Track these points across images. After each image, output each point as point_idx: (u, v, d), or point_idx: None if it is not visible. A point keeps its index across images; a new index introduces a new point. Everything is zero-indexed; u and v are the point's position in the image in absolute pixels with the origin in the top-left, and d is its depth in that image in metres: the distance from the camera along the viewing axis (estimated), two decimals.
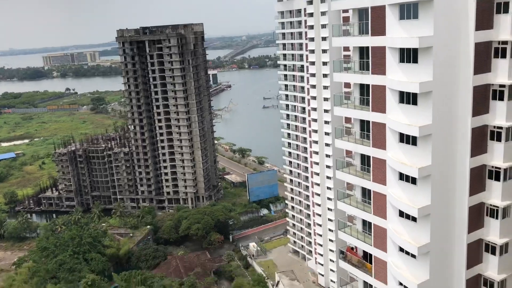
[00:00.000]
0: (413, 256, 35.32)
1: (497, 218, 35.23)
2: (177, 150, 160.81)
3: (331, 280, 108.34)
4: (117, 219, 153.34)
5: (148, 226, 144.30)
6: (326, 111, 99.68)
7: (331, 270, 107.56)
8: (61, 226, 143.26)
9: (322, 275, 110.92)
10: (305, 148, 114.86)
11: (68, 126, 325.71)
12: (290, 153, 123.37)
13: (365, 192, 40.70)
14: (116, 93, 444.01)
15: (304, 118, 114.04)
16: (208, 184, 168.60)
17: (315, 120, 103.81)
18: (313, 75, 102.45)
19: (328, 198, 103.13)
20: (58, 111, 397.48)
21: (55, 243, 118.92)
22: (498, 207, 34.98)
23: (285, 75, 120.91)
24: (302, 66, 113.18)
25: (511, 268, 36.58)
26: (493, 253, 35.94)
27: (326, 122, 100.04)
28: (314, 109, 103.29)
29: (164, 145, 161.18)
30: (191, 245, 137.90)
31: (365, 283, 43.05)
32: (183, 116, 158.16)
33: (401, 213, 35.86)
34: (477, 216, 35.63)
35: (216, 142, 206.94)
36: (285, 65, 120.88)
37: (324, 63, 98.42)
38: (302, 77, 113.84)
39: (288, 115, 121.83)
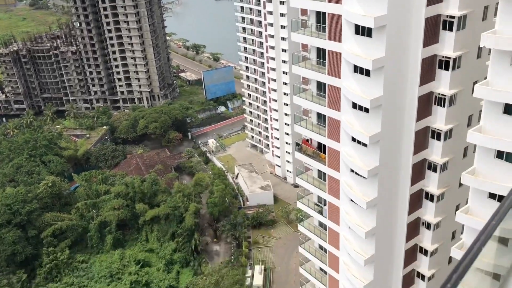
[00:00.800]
0: (365, 145, 37.17)
1: (444, 106, 36.99)
2: (127, 48, 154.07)
3: (288, 171, 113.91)
4: (72, 120, 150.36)
5: (105, 127, 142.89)
6: (281, 2, 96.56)
7: (287, 161, 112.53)
8: (13, 130, 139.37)
9: (279, 166, 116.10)
10: (261, 43, 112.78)
11: (6, 24, 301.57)
12: (245, 48, 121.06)
13: (320, 86, 41.28)
14: None
15: (259, 11, 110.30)
16: (163, 82, 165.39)
17: (270, 13, 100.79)
18: None
19: (284, 93, 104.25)
20: None
21: (9, 147, 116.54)
22: (445, 95, 36.58)
23: None
24: None
25: (452, 152, 39.40)
26: (438, 139, 38.31)
27: (282, 15, 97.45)
28: (270, 1, 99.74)
29: (113, 42, 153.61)
30: (150, 143, 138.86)
31: (319, 171, 45.51)
32: (131, 10, 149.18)
33: (354, 105, 36.95)
34: (426, 104, 37.26)
35: (168, 38, 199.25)
36: None
37: None
38: None
39: (242, 8, 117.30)
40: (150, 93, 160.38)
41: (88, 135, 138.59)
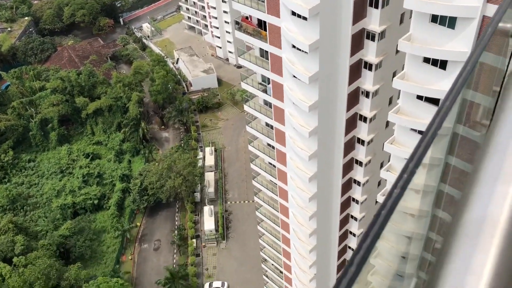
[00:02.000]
0: (305, 18, 36.63)
1: None
2: None
3: (229, 51, 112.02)
4: None
5: (26, 18, 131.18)
6: None
7: (228, 41, 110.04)
8: None
9: (220, 48, 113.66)
10: None
11: None
12: None
13: None
14: None
15: None
16: None
17: None
18: None
19: None
20: None
21: None
22: None
23: None
24: None
25: (390, 19, 39.78)
26: (376, 7, 38.25)
27: None
28: None
29: None
30: (80, 33, 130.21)
31: (261, 49, 45.03)
32: None
33: None
34: None
35: None
36: None
37: None
38: None
39: None
40: None
41: (9, 29, 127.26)
